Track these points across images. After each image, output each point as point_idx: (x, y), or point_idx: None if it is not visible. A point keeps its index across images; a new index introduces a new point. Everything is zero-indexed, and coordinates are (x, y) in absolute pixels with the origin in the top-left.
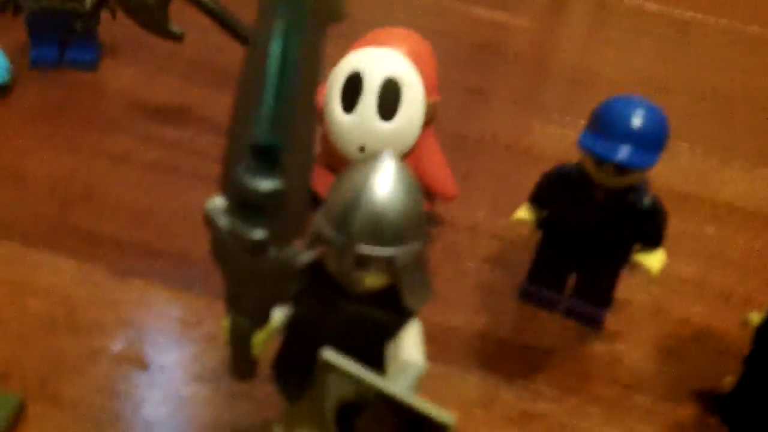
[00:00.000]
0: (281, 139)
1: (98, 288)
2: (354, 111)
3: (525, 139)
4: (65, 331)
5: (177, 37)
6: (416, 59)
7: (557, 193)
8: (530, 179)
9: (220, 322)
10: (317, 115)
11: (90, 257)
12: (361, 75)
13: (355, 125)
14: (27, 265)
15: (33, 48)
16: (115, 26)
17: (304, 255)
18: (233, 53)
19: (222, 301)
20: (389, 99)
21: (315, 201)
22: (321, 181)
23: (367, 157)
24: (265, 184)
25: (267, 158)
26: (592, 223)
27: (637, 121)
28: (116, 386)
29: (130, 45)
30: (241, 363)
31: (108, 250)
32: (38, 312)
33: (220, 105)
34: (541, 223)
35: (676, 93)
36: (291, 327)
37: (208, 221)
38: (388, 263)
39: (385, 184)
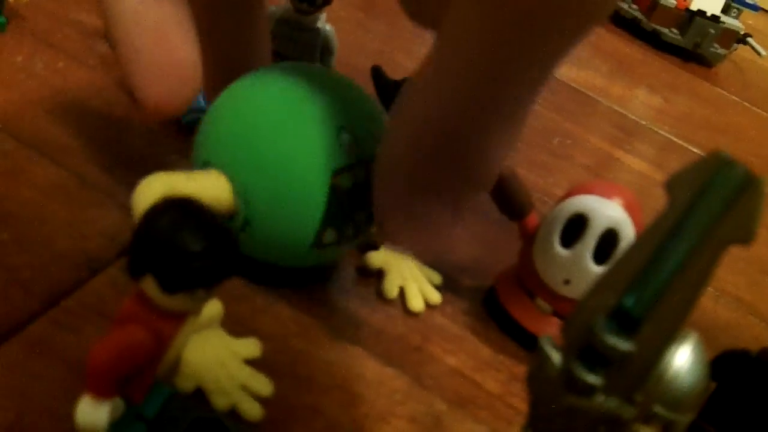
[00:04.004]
0: (648, 316)
1: (314, 344)
2: (571, 247)
3: None
4: (284, 378)
5: None
6: (632, 214)
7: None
8: None
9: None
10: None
11: (305, 310)
12: (586, 218)
13: (569, 260)
14: (249, 305)
15: None
16: None
17: (628, 409)
18: None
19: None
20: (606, 245)
21: (509, 322)
22: (516, 302)
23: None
24: (619, 344)
25: (626, 324)
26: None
27: None
28: None
29: None
30: None
31: (319, 307)
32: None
33: None
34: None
35: None
36: None
37: (539, 352)
38: (668, 426)
39: (689, 357)
